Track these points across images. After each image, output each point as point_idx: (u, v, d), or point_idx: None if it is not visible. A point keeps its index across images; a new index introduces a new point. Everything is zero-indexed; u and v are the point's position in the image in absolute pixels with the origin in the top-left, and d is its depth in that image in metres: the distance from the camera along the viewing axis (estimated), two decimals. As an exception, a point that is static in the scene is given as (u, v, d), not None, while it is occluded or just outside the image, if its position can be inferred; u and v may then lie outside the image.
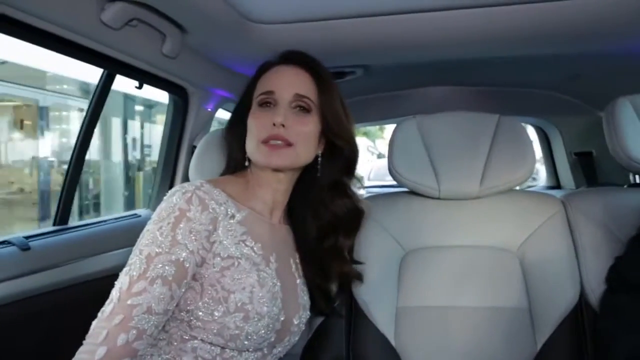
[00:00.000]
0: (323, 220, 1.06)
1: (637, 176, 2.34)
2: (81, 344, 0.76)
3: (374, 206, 1.28)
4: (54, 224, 1.41)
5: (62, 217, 1.42)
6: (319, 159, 1.01)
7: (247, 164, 1.00)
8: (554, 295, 1.14)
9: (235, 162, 1.04)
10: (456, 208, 1.25)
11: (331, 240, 1.07)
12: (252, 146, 0.95)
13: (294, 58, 1.00)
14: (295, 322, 0.98)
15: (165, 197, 0.88)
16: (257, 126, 0.95)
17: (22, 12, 0.96)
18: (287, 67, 0.99)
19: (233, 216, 0.90)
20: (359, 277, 1.15)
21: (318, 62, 1.00)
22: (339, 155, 1.03)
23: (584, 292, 1.15)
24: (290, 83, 0.96)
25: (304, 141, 0.95)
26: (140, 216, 1.69)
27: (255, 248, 0.91)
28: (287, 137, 0.92)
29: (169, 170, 1.74)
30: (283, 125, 0.92)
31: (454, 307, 1.17)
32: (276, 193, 1.00)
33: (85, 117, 1.44)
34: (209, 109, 1.78)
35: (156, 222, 0.83)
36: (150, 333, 0.78)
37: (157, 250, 0.80)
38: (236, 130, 1.03)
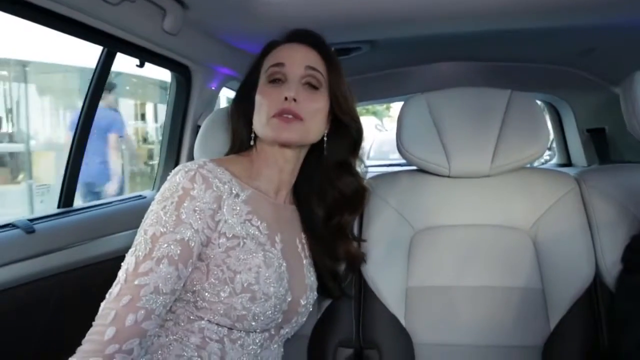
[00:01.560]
0: (329, 200, 1.05)
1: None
2: (87, 326, 0.76)
3: (382, 185, 1.26)
4: (58, 206, 1.40)
5: (66, 199, 1.41)
6: (325, 138, 1.01)
7: (252, 142, 0.99)
8: (567, 274, 1.12)
9: (241, 140, 1.02)
10: (467, 186, 1.23)
11: (337, 220, 1.06)
12: (261, 121, 0.94)
13: (302, 36, 0.99)
14: (303, 303, 0.97)
15: (168, 177, 0.87)
16: (267, 101, 0.93)
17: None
18: (296, 44, 0.98)
19: (237, 195, 0.89)
20: (364, 258, 1.15)
21: (325, 41, 1.00)
22: (345, 134, 1.03)
23: (599, 271, 1.12)
24: (300, 57, 0.95)
25: (314, 117, 0.95)
26: (145, 197, 1.68)
27: (261, 227, 0.90)
28: (298, 111, 0.91)
29: (174, 150, 1.73)
30: (294, 100, 0.91)
31: (465, 287, 1.15)
32: (282, 172, 0.99)
33: (86, 98, 1.42)
34: (213, 88, 1.75)
35: (160, 202, 0.83)
36: (158, 313, 0.78)
37: (161, 229, 0.80)
38: (242, 107, 1.01)
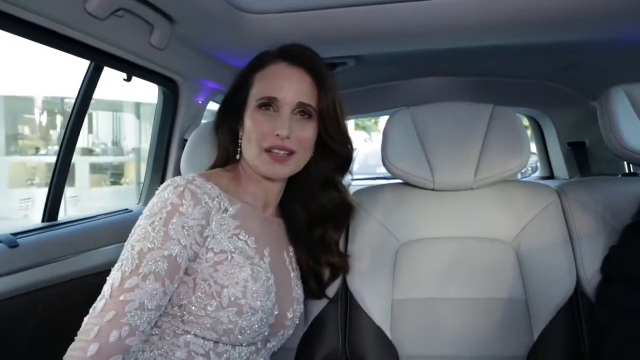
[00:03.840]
0: (311, 211, 1.06)
1: (631, 165, 2.34)
2: (71, 341, 0.75)
3: (368, 199, 1.27)
4: (43, 220, 1.38)
5: (51, 213, 1.40)
6: (312, 154, 1.01)
7: (238, 157, 0.99)
8: (550, 285, 1.14)
9: (227, 154, 1.02)
10: (451, 199, 1.24)
11: (320, 231, 1.07)
12: (253, 152, 0.93)
13: (295, 56, 0.95)
14: (289, 316, 0.97)
15: (157, 192, 0.86)
16: (258, 132, 0.92)
17: (5, 3, 0.93)
18: (289, 67, 0.94)
19: (226, 210, 0.89)
20: (346, 269, 1.15)
21: (319, 60, 0.97)
22: (333, 155, 1.02)
23: (580, 282, 1.14)
24: (293, 89, 0.93)
25: (305, 147, 0.95)
26: (131, 211, 1.66)
27: (248, 241, 0.90)
28: (290, 146, 0.92)
29: (160, 164, 1.72)
30: (287, 137, 0.91)
31: (450, 299, 1.16)
32: (268, 192, 0.99)
33: (72, 112, 1.41)
34: (200, 102, 1.76)
35: (148, 217, 0.82)
36: (142, 329, 0.77)
37: (149, 245, 0.79)
38: (228, 122, 1.00)
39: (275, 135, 0.90)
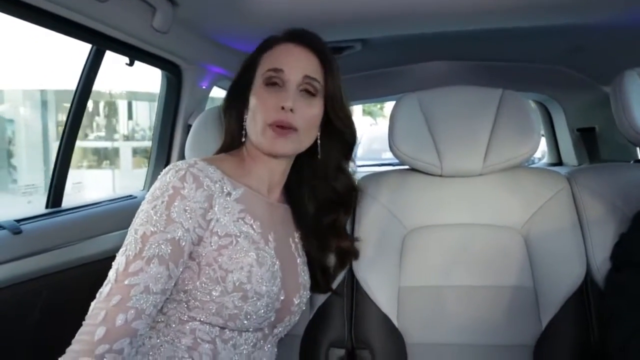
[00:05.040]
0: (321, 197, 1.05)
1: (643, 151, 2.31)
2: (76, 327, 0.75)
3: (374, 184, 1.25)
4: (46, 207, 1.38)
5: (54, 199, 1.39)
6: (318, 140, 1.00)
7: (243, 139, 0.98)
8: (559, 273, 1.12)
9: (232, 138, 1.01)
10: (459, 185, 1.22)
11: (331, 217, 1.07)
12: (257, 128, 0.92)
13: (301, 37, 0.96)
14: (296, 302, 0.97)
15: (159, 176, 0.86)
16: (263, 107, 0.91)
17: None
18: (295, 46, 0.95)
19: (229, 194, 0.88)
20: (357, 254, 1.14)
21: (323, 42, 0.98)
22: (339, 136, 1.02)
23: (590, 269, 1.13)
24: (299, 64, 0.93)
25: (309, 125, 0.94)
26: (135, 197, 1.66)
27: (254, 226, 0.90)
28: (294, 122, 0.91)
29: (164, 150, 1.71)
30: (292, 110, 0.90)
31: (458, 287, 1.15)
32: (273, 173, 0.98)
33: (74, 97, 1.39)
34: (204, 87, 1.74)
35: (150, 201, 0.82)
36: (149, 313, 0.77)
37: (152, 229, 0.79)
38: (235, 104, 1.00)
39: (280, 109, 0.90)
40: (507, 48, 2.09)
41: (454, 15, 1.46)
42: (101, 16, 1.13)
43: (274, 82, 0.93)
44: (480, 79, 2.25)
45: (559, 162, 2.69)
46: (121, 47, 1.32)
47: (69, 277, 1.28)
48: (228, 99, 1.03)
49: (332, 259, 1.10)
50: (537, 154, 2.98)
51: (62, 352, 0.72)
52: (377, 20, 1.50)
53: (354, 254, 1.14)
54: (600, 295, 1.10)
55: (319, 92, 0.95)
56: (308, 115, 0.93)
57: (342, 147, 1.04)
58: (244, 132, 0.97)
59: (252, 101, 0.94)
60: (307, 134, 0.95)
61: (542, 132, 2.72)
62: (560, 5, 1.38)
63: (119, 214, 1.49)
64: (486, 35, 1.78)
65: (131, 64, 1.41)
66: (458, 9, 1.40)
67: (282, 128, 0.90)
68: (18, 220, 1.21)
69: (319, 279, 1.07)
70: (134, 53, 1.37)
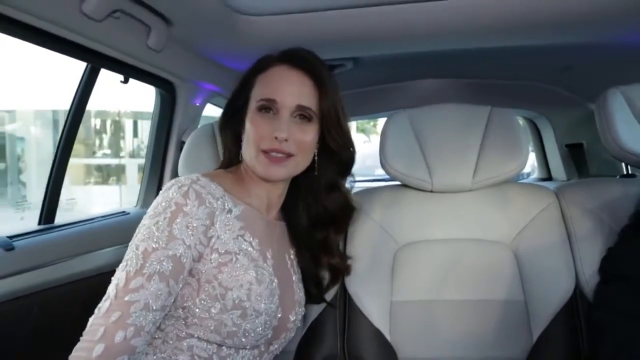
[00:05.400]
0: (313, 213, 1.05)
1: (629, 166, 2.34)
2: (69, 343, 0.75)
3: (366, 200, 1.26)
4: (39, 223, 1.38)
5: (47, 216, 1.39)
6: (316, 158, 1.00)
7: (241, 159, 0.98)
8: (549, 287, 1.13)
9: (230, 155, 1.02)
10: (449, 201, 1.24)
11: (322, 234, 1.06)
12: (250, 154, 0.93)
13: (296, 59, 0.95)
14: (292, 319, 0.97)
15: (161, 192, 0.86)
16: (257, 134, 0.92)
17: (1, 4, 0.93)
18: (289, 70, 0.94)
19: (230, 211, 0.89)
20: (348, 271, 1.14)
21: (320, 63, 0.97)
22: (336, 157, 1.02)
23: (579, 283, 1.14)
24: (292, 92, 0.92)
25: (304, 150, 0.94)
26: (129, 214, 1.65)
27: (253, 243, 0.90)
28: (288, 150, 0.91)
29: (157, 166, 1.72)
30: (286, 140, 0.90)
31: (449, 301, 1.16)
32: (270, 194, 0.99)
33: (68, 114, 1.40)
34: (197, 104, 1.75)
35: (152, 217, 0.82)
36: (148, 330, 0.77)
37: (153, 245, 0.79)
38: (231, 123, 1.00)
39: (274, 138, 0.90)
40: (497, 66, 2.13)
41: (444, 35, 1.49)
42: (97, 35, 1.14)
43: (267, 109, 0.93)
44: (471, 97, 2.29)
45: (548, 177, 2.72)
46: (116, 65, 1.33)
47: (60, 293, 1.27)
48: (224, 118, 1.03)
49: (325, 272, 1.10)
50: (527, 169, 3.01)
51: (54, 368, 0.72)
52: (368, 40, 1.53)
53: (345, 270, 1.14)
54: (590, 307, 1.11)
55: (314, 117, 0.95)
56: (302, 142, 0.93)
57: (338, 166, 1.04)
58: (241, 152, 0.97)
59: (247, 125, 0.94)
60: (303, 158, 0.95)
61: (532, 147, 2.76)
62: (551, 26, 1.41)
63: (112, 230, 1.49)
64: (476, 54, 1.81)
65: (125, 81, 1.42)
66: (449, 30, 1.43)
67: (277, 158, 0.91)
68: (10, 237, 1.20)
69: (312, 291, 1.07)
70: (129, 71, 1.39)
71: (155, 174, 1.72)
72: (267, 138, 0.91)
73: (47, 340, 1.22)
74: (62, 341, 0.75)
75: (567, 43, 1.63)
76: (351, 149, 1.02)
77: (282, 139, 0.90)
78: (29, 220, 1.35)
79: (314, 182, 1.02)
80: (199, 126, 1.73)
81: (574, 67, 2.02)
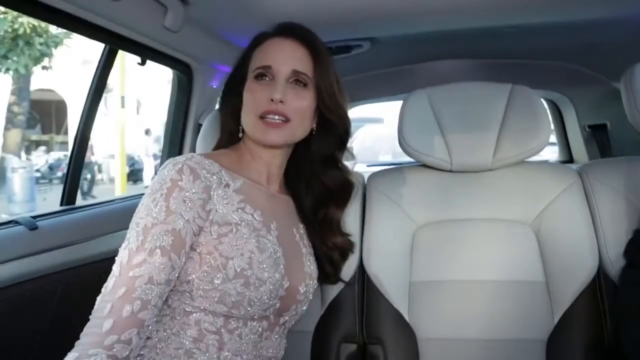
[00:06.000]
0: (316, 191, 1.07)
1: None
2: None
3: (384, 181, 1.26)
4: (61, 204, 1.40)
5: (69, 197, 1.41)
6: (313, 133, 1.02)
7: (240, 135, 1.00)
8: (571, 267, 1.11)
9: (230, 134, 1.03)
10: (469, 181, 1.23)
11: (323, 211, 1.07)
12: (249, 121, 0.95)
13: (290, 30, 0.98)
14: (302, 290, 0.97)
15: (158, 171, 0.88)
16: (254, 100, 0.94)
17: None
18: (284, 40, 0.97)
19: (227, 185, 0.90)
20: (352, 248, 1.14)
21: (314, 35, 1.00)
22: (332, 130, 1.03)
23: (603, 264, 1.12)
24: (287, 58, 0.95)
25: (301, 116, 0.96)
26: (147, 196, 1.67)
27: (255, 215, 0.91)
28: (284, 112, 0.93)
29: (175, 149, 1.73)
30: (281, 101, 0.92)
31: (468, 281, 1.15)
32: (270, 166, 1.00)
33: (87, 96, 1.42)
34: (214, 86, 1.75)
35: (149, 195, 0.84)
36: (154, 303, 0.79)
37: (152, 221, 0.81)
38: (230, 100, 1.02)
39: (270, 101, 0.92)
40: (517, 45, 2.08)
41: (464, 12, 1.45)
42: (114, 16, 1.14)
43: (263, 76, 0.95)
44: (490, 77, 2.22)
45: (569, 160, 2.67)
46: (133, 47, 1.33)
47: (83, 273, 1.30)
48: (223, 95, 1.06)
49: (335, 252, 1.10)
50: (547, 157, 2.95)
51: (75, 346, 0.73)
52: (385, 19, 1.50)
53: (349, 248, 1.14)
54: (614, 289, 1.10)
55: (310, 84, 0.97)
56: (298, 106, 0.95)
57: (334, 140, 1.05)
58: (240, 128, 0.99)
59: (245, 96, 0.96)
60: (299, 124, 0.96)
61: (553, 129, 2.70)
62: (574, 1, 1.37)
63: (130, 212, 1.50)
64: (496, 33, 1.77)
65: (143, 63, 1.43)
66: (469, 6, 1.39)
67: (274, 122, 0.92)
68: (34, 217, 1.23)
69: (327, 270, 1.08)
70: (146, 52, 1.39)
71: (173, 157, 1.73)
72: (264, 101, 0.93)
73: (70, 318, 1.25)
74: (83, 319, 0.76)
75: (592, 19, 1.58)
76: (347, 120, 1.04)
77: (277, 100, 0.92)
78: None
79: (312, 156, 1.04)
80: (215, 108, 1.73)
81: (598, 45, 1.96)
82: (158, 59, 1.46)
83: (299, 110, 0.95)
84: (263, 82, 0.95)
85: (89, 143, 1.47)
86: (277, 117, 0.93)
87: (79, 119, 1.43)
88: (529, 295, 1.12)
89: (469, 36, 1.82)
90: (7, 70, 8.54)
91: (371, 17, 1.49)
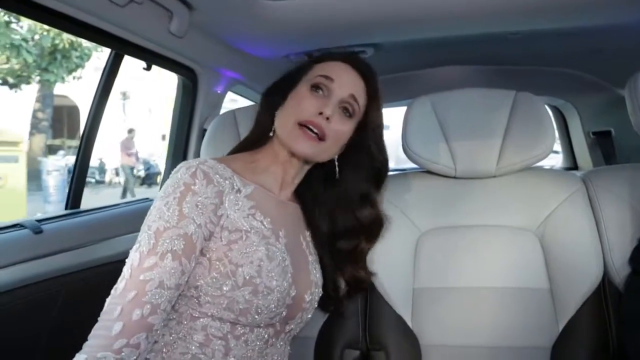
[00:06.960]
0: (341, 224, 1.05)
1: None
2: (93, 325, 0.76)
3: (388, 187, 1.25)
4: (66, 208, 1.41)
5: (74, 201, 1.42)
6: (336, 161, 1.02)
7: (271, 134, 0.99)
8: (576, 274, 1.11)
9: (262, 130, 1.02)
10: (473, 187, 1.22)
11: (352, 243, 1.07)
12: (286, 123, 0.95)
13: (356, 61, 1.01)
14: (307, 299, 0.97)
15: (171, 174, 0.88)
16: (300, 107, 0.94)
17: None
18: (348, 66, 0.99)
19: (239, 190, 0.90)
20: (367, 284, 1.13)
21: (376, 75, 1.02)
22: (365, 164, 1.03)
23: (608, 271, 1.11)
24: (349, 82, 0.97)
25: (337, 140, 0.97)
26: (152, 200, 1.67)
27: (264, 222, 0.91)
28: (325, 130, 0.93)
29: (180, 154, 1.73)
30: (327, 119, 0.92)
31: (472, 288, 1.14)
32: (286, 173, 1.00)
33: (93, 100, 1.42)
34: (219, 91, 1.76)
35: (162, 198, 0.84)
36: (164, 308, 0.79)
37: (165, 225, 0.81)
38: (271, 100, 1.02)
39: (317, 114, 0.92)
40: (521, 52, 2.08)
41: (467, 18, 1.46)
42: (120, 21, 1.15)
43: (320, 88, 0.95)
44: (494, 84, 2.22)
45: (574, 167, 2.66)
46: (139, 52, 1.34)
47: (87, 277, 1.30)
48: (266, 93, 1.05)
49: (342, 281, 1.09)
50: (551, 163, 2.95)
51: (78, 350, 0.73)
52: (389, 24, 1.50)
53: (367, 282, 1.12)
54: (619, 297, 1.09)
55: (355, 116, 0.98)
56: (339, 130, 0.95)
57: (371, 176, 1.05)
58: (273, 128, 0.98)
59: (293, 98, 0.96)
60: (330, 147, 0.96)
61: (557, 136, 2.70)
62: (574, 8, 1.37)
63: (135, 216, 1.50)
64: (499, 39, 1.77)
65: (148, 68, 1.44)
66: (472, 12, 1.39)
67: (311, 135, 0.92)
68: (39, 220, 1.23)
69: (330, 293, 1.07)
70: (151, 57, 1.40)
71: (177, 162, 1.73)
72: (310, 112, 0.93)
73: (74, 322, 1.25)
74: (89, 323, 0.76)
75: (596, 25, 1.58)
76: (386, 160, 1.05)
77: (325, 116, 0.92)
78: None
79: (343, 192, 1.04)
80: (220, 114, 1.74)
81: (602, 51, 1.96)
82: (163, 64, 1.47)
83: (338, 134, 0.95)
84: (316, 95, 0.95)
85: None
86: (316, 131, 0.92)
87: (85, 124, 1.43)
88: (533, 302, 1.12)
89: (473, 42, 1.82)
90: (47, 81, 9.13)
91: (375, 23, 1.49)
